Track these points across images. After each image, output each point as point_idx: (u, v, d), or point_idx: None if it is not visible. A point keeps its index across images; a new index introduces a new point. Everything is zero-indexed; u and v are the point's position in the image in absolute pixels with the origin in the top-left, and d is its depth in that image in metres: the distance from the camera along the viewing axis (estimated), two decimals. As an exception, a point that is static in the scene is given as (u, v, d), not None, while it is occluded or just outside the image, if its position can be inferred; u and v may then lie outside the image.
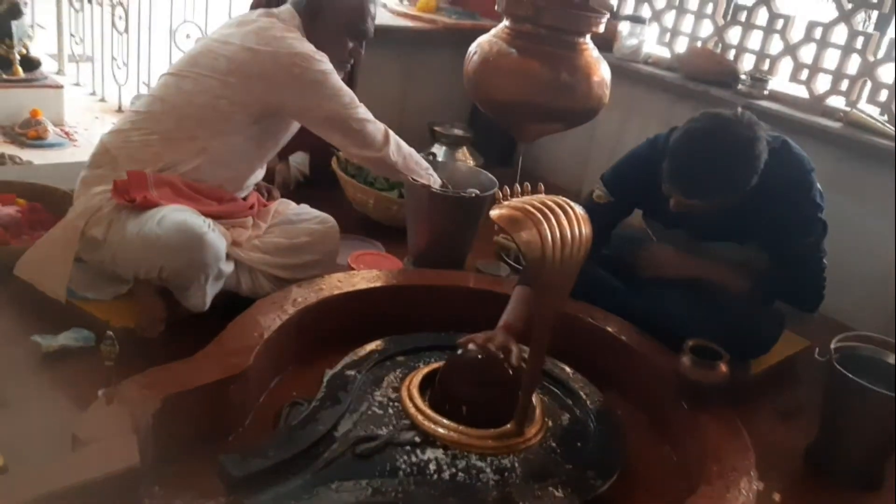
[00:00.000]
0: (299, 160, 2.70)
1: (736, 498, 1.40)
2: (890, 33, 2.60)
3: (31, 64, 3.78)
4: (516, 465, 1.44)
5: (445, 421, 1.47)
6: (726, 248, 1.93)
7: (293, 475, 1.31)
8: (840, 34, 2.69)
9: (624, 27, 3.10)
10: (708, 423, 1.62)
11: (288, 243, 1.97)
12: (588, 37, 2.24)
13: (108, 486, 1.16)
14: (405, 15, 3.28)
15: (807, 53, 2.78)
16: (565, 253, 1.36)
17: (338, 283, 1.86)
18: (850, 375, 1.66)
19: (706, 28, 3.03)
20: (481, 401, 1.52)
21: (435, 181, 2.16)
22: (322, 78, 1.86)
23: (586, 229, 1.41)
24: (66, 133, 3.70)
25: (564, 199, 1.45)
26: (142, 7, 4.03)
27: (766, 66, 2.86)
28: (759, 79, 2.75)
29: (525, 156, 2.78)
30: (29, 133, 3.48)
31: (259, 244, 1.92)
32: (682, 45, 3.10)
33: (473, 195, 2.20)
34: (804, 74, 2.77)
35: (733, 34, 2.96)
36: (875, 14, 2.63)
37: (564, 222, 1.38)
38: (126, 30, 4.15)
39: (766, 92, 2.75)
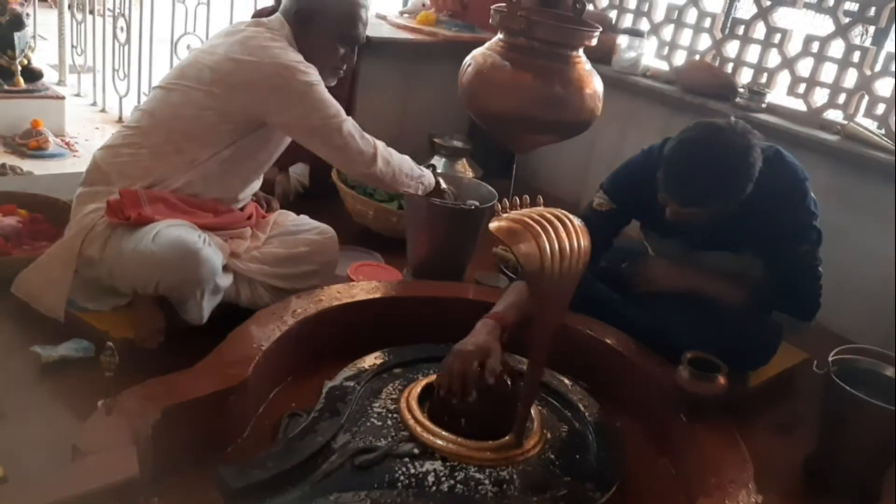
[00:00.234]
0: (299, 171, 2.71)
1: (734, 510, 1.41)
2: (887, 47, 2.62)
3: (32, 75, 3.81)
4: (515, 477, 1.44)
5: (444, 433, 1.48)
6: (722, 257, 1.94)
7: (292, 486, 1.32)
8: (837, 48, 2.71)
9: (623, 40, 3.12)
10: (706, 435, 1.62)
11: (286, 253, 1.97)
12: (581, 50, 2.27)
13: (108, 497, 1.16)
14: (405, 28, 3.30)
15: (804, 67, 2.79)
16: (564, 265, 1.37)
17: (337, 295, 1.87)
18: (848, 388, 1.67)
19: (704, 41, 3.05)
20: (480, 412, 1.52)
21: (425, 187, 2.11)
22: (306, 89, 1.82)
23: (585, 241, 1.42)
24: (67, 144, 3.72)
25: (563, 211, 1.46)
26: (143, 18, 4.06)
27: (763, 80, 2.88)
28: (756, 92, 2.76)
29: (524, 167, 2.79)
30: (30, 143, 3.50)
31: (258, 255, 1.92)
32: (680, 59, 3.12)
33: (473, 207, 2.21)
34: (802, 88, 2.79)
35: (731, 48, 2.98)
36: (872, 29, 2.65)
37: (563, 235, 1.39)
38: (127, 41, 4.18)
39: (763, 105, 2.76)
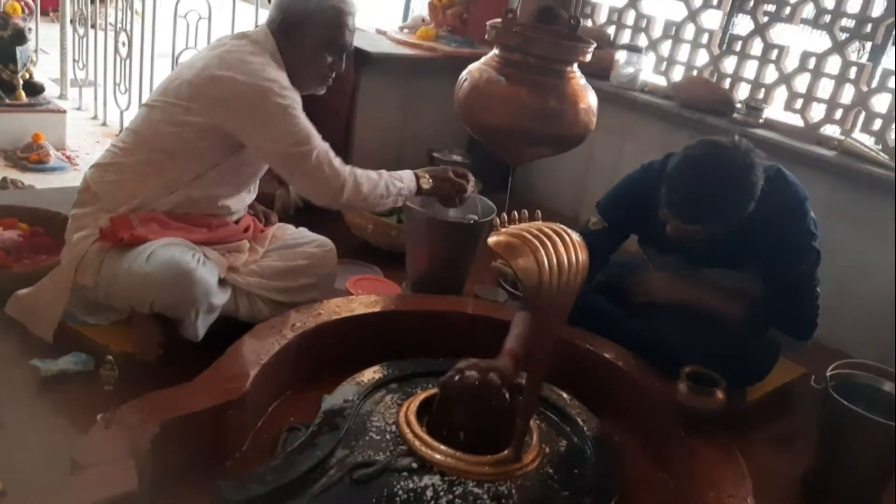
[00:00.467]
0: (299, 185, 2.72)
1: (733, 525, 1.41)
2: (884, 63, 2.64)
3: (34, 89, 3.83)
4: (513, 491, 1.44)
5: (443, 447, 1.48)
6: (721, 274, 1.95)
7: (290, 500, 1.32)
8: (834, 64, 2.73)
9: (621, 56, 3.14)
10: (705, 449, 1.63)
11: (285, 266, 1.96)
12: (575, 65, 2.29)
13: (106, 511, 1.16)
14: (405, 43, 3.32)
15: (801, 83, 2.81)
16: (562, 279, 1.38)
17: (336, 308, 1.87)
18: (846, 403, 1.67)
19: (702, 57, 3.08)
20: (478, 427, 1.52)
21: (407, 196, 2.01)
22: (277, 112, 1.75)
23: (583, 256, 1.43)
24: (68, 157, 3.74)
25: (561, 226, 1.47)
26: (144, 33, 4.09)
27: (761, 95, 2.90)
28: (754, 107, 2.78)
29: (523, 181, 2.80)
30: (31, 157, 3.52)
31: (256, 268, 1.92)
32: (678, 74, 3.14)
33: (472, 221, 2.22)
34: (799, 103, 2.81)
35: (728, 63, 3.00)
36: (869, 45, 2.67)
37: (561, 249, 1.40)
38: (129, 55, 4.21)
39: (761, 120, 2.78)
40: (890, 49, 2.62)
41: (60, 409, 1.59)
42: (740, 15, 2.97)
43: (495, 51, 2.33)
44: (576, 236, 1.45)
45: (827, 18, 2.71)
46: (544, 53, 2.25)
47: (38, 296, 1.78)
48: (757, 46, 2.91)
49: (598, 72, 3.06)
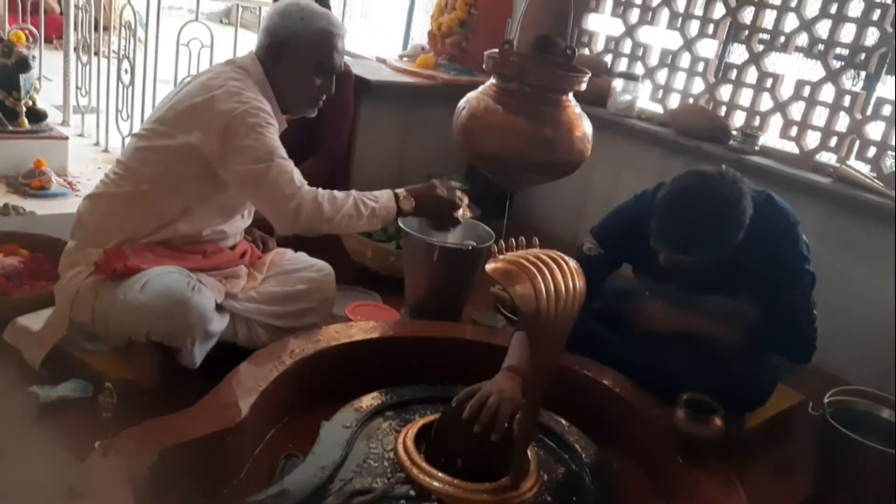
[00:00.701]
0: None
1: (732, 554, 1.40)
2: (877, 92, 2.67)
3: (37, 116, 3.86)
4: (511, 519, 1.44)
5: (441, 474, 1.47)
6: (716, 300, 1.95)
7: (288, 529, 1.31)
8: (828, 93, 2.76)
9: (618, 84, 3.18)
10: (703, 477, 1.62)
11: (283, 291, 1.96)
12: (571, 94, 2.33)
13: (103, 539, 1.16)
14: (405, 71, 3.36)
15: (796, 111, 2.84)
16: (560, 306, 1.39)
17: (335, 335, 1.88)
18: (844, 430, 1.67)
19: (698, 85, 3.11)
20: (477, 454, 1.52)
21: (384, 219, 1.85)
22: (245, 129, 1.70)
23: (580, 282, 1.44)
24: (69, 183, 3.76)
25: (558, 252, 1.48)
26: (147, 61, 4.14)
27: (756, 123, 2.93)
28: (749, 135, 2.81)
29: (521, 207, 2.82)
30: (33, 183, 3.54)
31: (255, 294, 1.91)
32: (674, 102, 3.18)
33: (470, 247, 2.23)
34: (794, 131, 2.83)
35: (724, 91, 3.03)
36: (863, 74, 2.70)
37: (559, 276, 1.41)
38: (131, 83, 4.26)
39: (757, 147, 2.81)
40: (884, 78, 2.66)
41: (59, 436, 1.59)
42: (735, 44, 3.01)
43: (493, 80, 2.37)
44: (573, 263, 1.46)
45: (820, 47, 2.75)
46: (540, 83, 2.29)
47: (36, 328, 1.78)
48: (752, 75, 2.95)
49: (596, 99, 3.10)
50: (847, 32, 2.70)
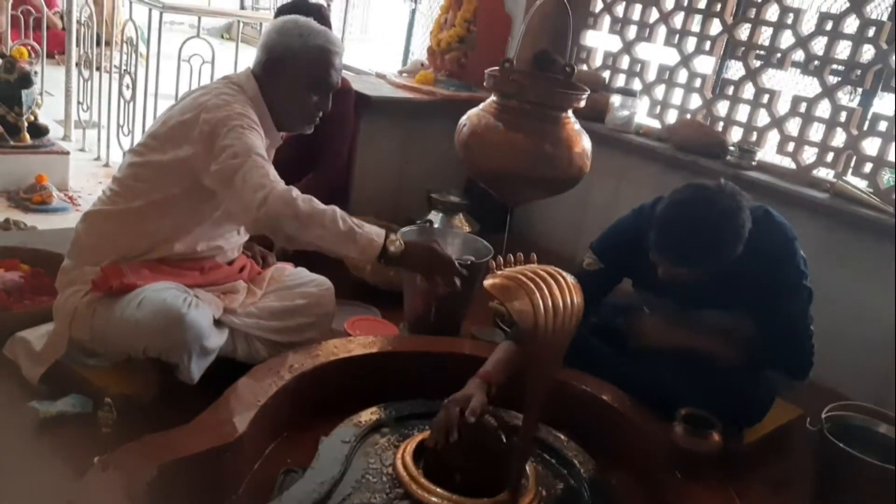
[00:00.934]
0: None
1: (730, 570, 1.40)
2: (873, 108, 2.69)
3: (38, 131, 3.88)
4: (510, 535, 1.44)
5: (439, 490, 1.47)
6: (714, 315, 1.96)
7: (286, 544, 1.31)
8: (824, 108, 2.78)
9: (616, 99, 3.20)
10: (702, 492, 1.62)
11: (282, 306, 1.97)
12: (570, 111, 2.36)
13: (101, 555, 1.16)
14: (404, 87, 3.38)
15: (793, 126, 2.86)
16: (558, 322, 1.39)
17: (334, 349, 1.88)
18: (842, 445, 1.67)
19: (695, 101, 3.13)
20: (475, 469, 1.52)
21: (368, 257, 1.71)
22: (226, 130, 1.68)
23: (578, 298, 1.45)
24: (70, 198, 3.77)
25: (556, 268, 1.49)
26: (149, 76, 4.16)
27: (753, 138, 2.95)
28: (746, 150, 2.82)
29: (521, 222, 2.84)
30: (34, 198, 3.55)
31: (254, 310, 1.92)
32: (671, 117, 3.20)
33: (469, 262, 2.24)
34: (791, 146, 2.85)
35: (721, 107, 3.05)
36: (860, 90, 2.72)
37: (556, 291, 1.42)
38: (133, 98, 4.28)
39: (754, 163, 2.82)
40: (880, 94, 2.68)
41: (58, 451, 1.59)
42: (732, 60, 3.04)
43: (493, 97, 2.40)
44: (570, 279, 1.47)
45: (817, 64, 2.77)
46: (540, 100, 2.32)
47: (35, 345, 1.79)
48: (749, 91, 2.97)
49: (594, 115, 3.12)
50: (843, 49, 2.73)
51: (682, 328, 1.98)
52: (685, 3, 3.11)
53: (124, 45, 4.44)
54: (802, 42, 2.79)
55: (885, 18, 2.63)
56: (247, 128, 1.72)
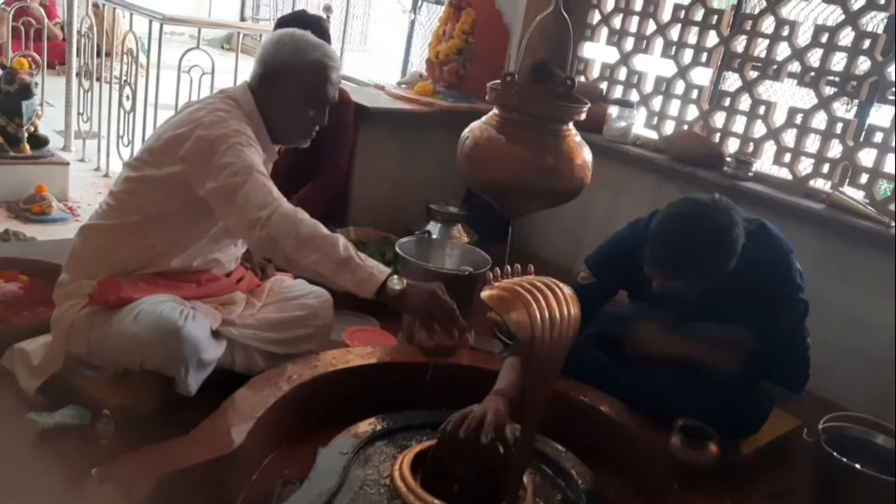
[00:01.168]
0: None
1: (727, 581, 1.40)
2: (869, 119, 2.70)
3: (38, 141, 3.89)
4: (507, 546, 1.44)
5: (437, 501, 1.47)
6: (711, 327, 1.97)
7: (283, 556, 1.31)
8: (820, 120, 2.80)
9: (613, 110, 3.22)
10: (699, 503, 1.62)
11: (280, 317, 1.96)
12: (571, 123, 2.38)
13: (99, 567, 1.16)
14: (403, 98, 3.40)
15: (789, 137, 2.88)
16: (555, 333, 1.40)
17: (332, 360, 1.89)
18: (839, 456, 1.67)
19: (692, 112, 3.15)
20: (473, 480, 1.52)
21: (366, 291, 1.64)
22: (223, 147, 1.68)
23: (575, 309, 1.45)
24: (70, 208, 3.78)
25: (553, 279, 1.49)
26: (149, 87, 4.18)
27: (750, 149, 2.96)
28: (743, 161, 2.83)
29: (519, 233, 2.84)
30: (33, 208, 3.55)
31: (253, 321, 1.92)
32: (669, 128, 3.22)
33: (467, 273, 2.25)
34: (787, 157, 2.87)
35: (718, 118, 3.07)
36: (856, 101, 2.74)
37: (553, 303, 1.42)
38: (133, 108, 4.30)
39: (750, 174, 2.84)
40: (875, 105, 2.69)
41: (56, 463, 1.58)
42: (729, 72, 3.06)
43: (495, 110, 2.42)
44: (567, 290, 1.47)
45: (812, 75, 2.79)
46: (541, 113, 2.34)
47: (33, 356, 1.79)
48: (745, 102, 2.98)
49: (592, 125, 3.13)
50: (839, 61, 2.75)
51: (678, 338, 1.99)
52: (682, 15, 3.14)
53: (124, 55, 4.46)
54: (798, 54, 2.81)
55: (880, 31, 2.65)
56: (245, 145, 1.72)
